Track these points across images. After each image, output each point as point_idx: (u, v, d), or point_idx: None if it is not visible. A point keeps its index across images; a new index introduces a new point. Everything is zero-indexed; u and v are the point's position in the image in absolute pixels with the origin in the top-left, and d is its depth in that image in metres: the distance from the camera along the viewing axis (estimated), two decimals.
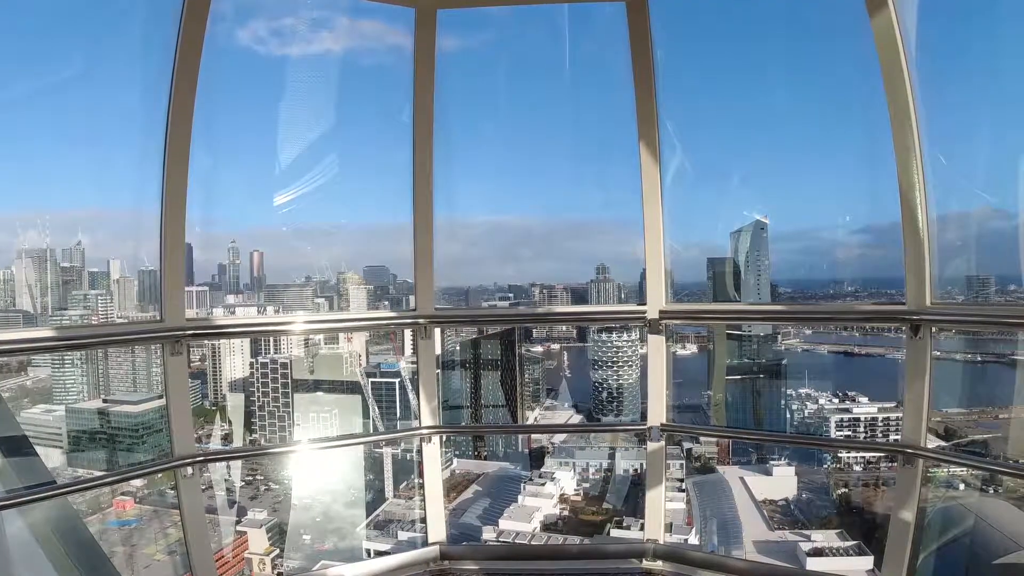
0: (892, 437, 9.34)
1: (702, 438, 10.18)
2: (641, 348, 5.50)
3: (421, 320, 5.36)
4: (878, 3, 4.34)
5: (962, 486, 8.17)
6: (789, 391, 10.11)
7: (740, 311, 7.54)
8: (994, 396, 9.13)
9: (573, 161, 11.50)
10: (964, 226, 7.06)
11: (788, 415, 10.07)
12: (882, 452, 9.25)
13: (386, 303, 11.02)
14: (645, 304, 5.34)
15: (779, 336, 10.25)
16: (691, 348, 10.41)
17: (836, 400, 9.99)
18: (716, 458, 10.28)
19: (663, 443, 5.34)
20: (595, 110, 10.68)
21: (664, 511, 5.40)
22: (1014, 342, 8.06)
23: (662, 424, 5.31)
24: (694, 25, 8.41)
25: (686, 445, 9.95)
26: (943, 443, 8.53)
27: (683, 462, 9.92)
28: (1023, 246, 6.31)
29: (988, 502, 7.47)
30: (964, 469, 7.95)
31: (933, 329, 4.54)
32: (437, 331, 5.59)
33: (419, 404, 5.43)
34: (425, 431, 5.38)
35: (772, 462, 10.00)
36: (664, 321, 5.32)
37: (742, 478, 9.98)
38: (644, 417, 5.41)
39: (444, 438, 5.75)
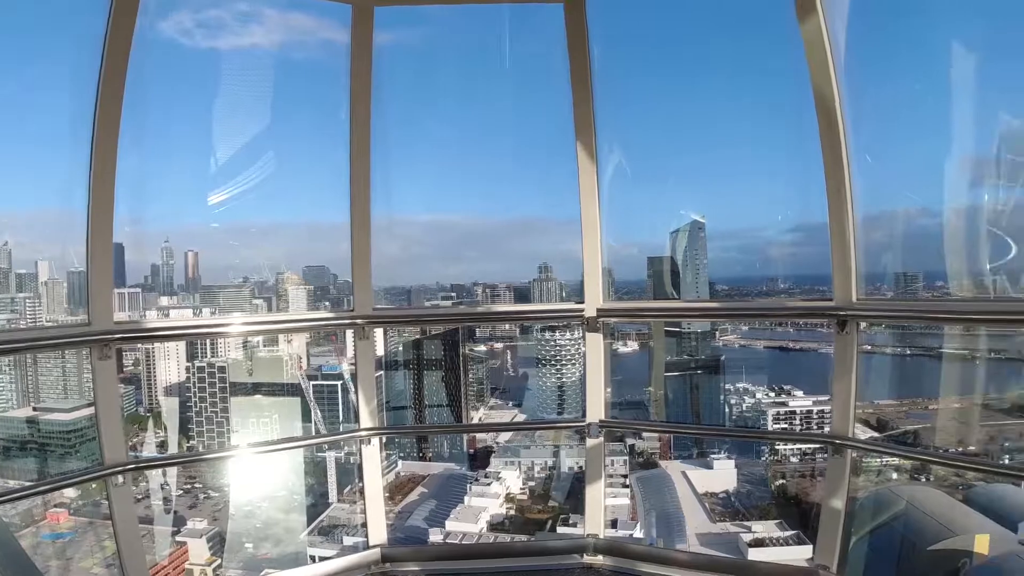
0: (827, 429, 9.62)
1: (645, 434, 10.33)
2: (583, 346, 5.56)
3: (359, 320, 5.29)
4: (807, 9, 4.43)
5: (894, 475, 8.47)
6: (727, 386, 10.35)
7: (674, 308, 7.72)
8: (924, 388, 9.48)
9: (516, 160, 11.54)
10: (892, 225, 7.32)
11: (727, 409, 10.31)
12: (812, 443, 9.56)
13: (327, 304, 10.86)
14: (583, 303, 5.39)
15: (717, 333, 10.47)
16: (632, 346, 10.57)
17: (772, 394, 10.26)
18: (658, 453, 10.44)
19: (602, 439, 5.39)
20: (538, 110, 10.75)
21: (604, 506, 5.45)
22: (940, 336, 8.38)
23: (601, 420, 5.36)
24: (632, 26, 8.52)
25: (629, 441, 10.08)
26: (876, 434, 8.83)
27: (626, 458, 10.05)
28: (947, 244, 6.56)
29: (920, 490, 7.73)
30: (898, 459, 8.27)
31: (861, 324, 4.68)
32: (379, 331, 5.55)
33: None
34: (364, 433, 5.32)
35: (712, 456, 10.21)
36: (602, 319, 5.37)
37: (684, 472, 10.16)
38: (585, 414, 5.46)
39: (385, 439, 5.70)
